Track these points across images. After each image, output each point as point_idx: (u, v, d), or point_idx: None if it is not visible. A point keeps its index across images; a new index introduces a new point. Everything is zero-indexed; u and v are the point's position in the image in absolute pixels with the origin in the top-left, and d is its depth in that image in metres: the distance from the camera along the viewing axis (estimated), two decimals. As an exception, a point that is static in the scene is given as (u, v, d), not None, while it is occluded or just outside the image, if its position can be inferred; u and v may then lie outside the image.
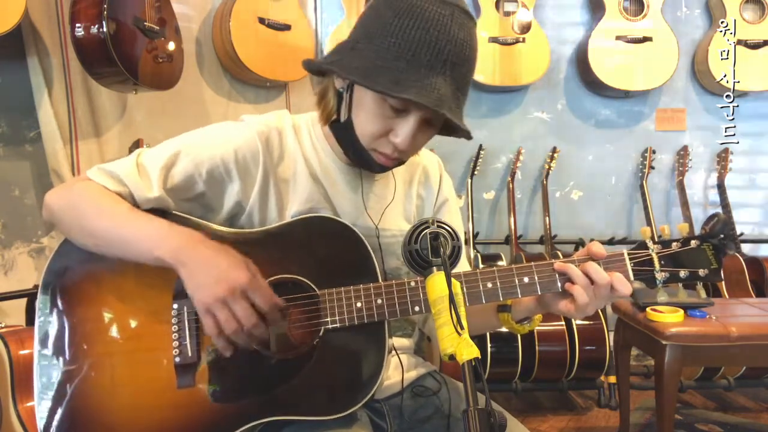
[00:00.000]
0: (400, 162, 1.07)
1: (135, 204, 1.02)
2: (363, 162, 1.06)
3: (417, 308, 0.99)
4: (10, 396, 1.58)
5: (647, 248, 1.00)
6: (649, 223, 3.01)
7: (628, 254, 1.00)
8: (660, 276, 0.99)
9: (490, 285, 0.99)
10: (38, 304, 1.02)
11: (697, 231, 1.02)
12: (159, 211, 1.04)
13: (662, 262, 0.99)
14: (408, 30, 0.92)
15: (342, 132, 1.04)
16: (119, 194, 1.01)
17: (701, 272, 0.99)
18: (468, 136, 0.99)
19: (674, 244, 1.00)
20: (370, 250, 1.03)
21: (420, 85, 0.91)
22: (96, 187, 1.01)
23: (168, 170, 1.02)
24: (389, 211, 1.14)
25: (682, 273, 0.99)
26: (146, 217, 0.99)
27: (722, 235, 0.99)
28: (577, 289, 0.96)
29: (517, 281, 0.99)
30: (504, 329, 2.60)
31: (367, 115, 0.99)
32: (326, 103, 1.06)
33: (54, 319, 1.01)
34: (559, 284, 0.99)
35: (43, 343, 1.01)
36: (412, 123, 0.96)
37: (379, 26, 0.94)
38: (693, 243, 0.99)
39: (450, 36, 0.92)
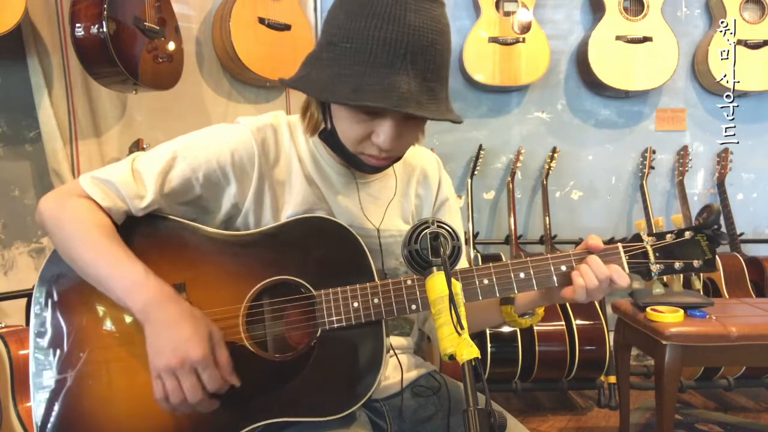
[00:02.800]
0: (394, 160, 1.06)
1: (130, 214, 1.02)
2: (355, 165, 1.06)
3: (414, 306, 0.99)
4: (10, 396, 1.58)
5: (641, 241, 1.01)
6: (649, 223, 3.01)
7: (623, 247, 1.01)
8: (655, 268, 1.00)
9: (486, 281, 0.99)
10: (32, 311, 1.01)
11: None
12: (155, 216, 1.04)
13: (657, 254, 1.00)
14: (362, 31, 0.90)
15: (329, 139, 1.05)
16: (112, 209, 1.00)
17: (696, 263, 1.00)
18: (455, 120, 0.98)
19: (668, 236, 1.01)
20: (366, 250, 1.03)
21: (379, 88, 0.89)
22: (86, 212, 0.99)
23: (165, 175, 1.02)
24: (388, 211, 1.14)
25: (677, 264, 1.00)
26: (127, 258, 0.97)
27: (716, 226, 0.99)
28: (579, 282, 0.98)
29: (513, 277, 1.00)
30: (505, 329, 2.63)
31: (344, 122, 0.99)
32: (310, 115, 1.06)
33: (48, 326, 1.01)
34: (555, 279, 1.00)
35: (38, 350, 1.00)
36: (389, 123, 0.95)
37: (337, 31, 0.94)
38: (687, 234, 1.00)
39: (405, 27, 0.90)
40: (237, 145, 1.04)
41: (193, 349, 0.89)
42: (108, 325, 1.01)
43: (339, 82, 0.92)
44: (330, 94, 0.93)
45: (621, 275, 0.98)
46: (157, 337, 0.91)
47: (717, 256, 2.73)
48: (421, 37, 0.90)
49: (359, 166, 1.05)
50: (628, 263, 1.00)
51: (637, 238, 1.01)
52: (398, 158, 1.08)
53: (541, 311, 1.11)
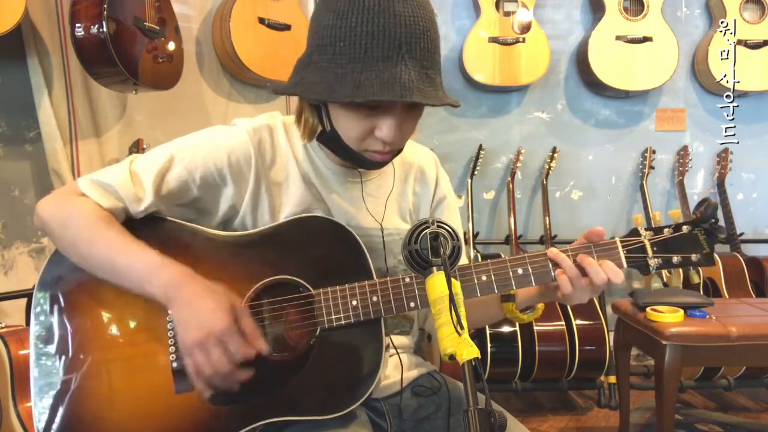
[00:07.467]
0: (396, 153, 1.06)
1: (129, 215, 1.02)
2: (359, 163, 1.06)
3: (412, 304, 1.00)
4: (10, 396, 1.58)
5: (639, 235, 1.01)
6: (649, 223, 3.01)
7: (621, 241, 1.00)
8: (653, 263, 1.00)
9: (484, 278, 1.00)
10: (32, 313, 1.01)
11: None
12: (153, 218, 1.04)
13: (654, 248, 1.00)
14: (353, 28, 0.91)
15: (331, 142, 1.05)
16: (113, 210, 1.01)
17: (693, 257, 1.00)
18: (454, 104, 0.99)
19: (666, 230, 1.01)
20: (364, 249, 1.03)
21: (381, 80, 0.90)
22: (89, 209, 1.00)
23: (162, 177, 1.02)
24: (388, 209, 1.14)
25: (675, 259, 1.00)
26: (139, 247, 0.98)
27: (713, 220, 0.99)
28: (563, 278, 0.98)
29: (511, 273, 1.00)
30: (505, 329, 2.63)
31: (346, 121, 0.99)
32: (305, 121, 1.06)
33: (49, 328, 1.01)
34: (552, 274, 1.00)
35: (38, 353, 1.00)
36: (391, 116, 0.96)
37: (326, 33, 0.93)
38: (685, 229, 1.01)
39: (395, 18, 0.90)
40: (233, 147, 1.04)
41: (217, 321, 0.90)
42: (109, 326, 1.01)
43: (338, 81, 0.92)
44: (331, 95, 0.93)
45: (615, 272, 0.97)
46: (182, 315, 0.93)
47: (717, 256, 2.74)
48: (413, 26, 0.91)
49: (364, 163, 1.05)
50: (625, 257, 1.00)
51: (634, 232, 1.02)
52: (399, 151, 1.08)
53: (541, 306, 1.11)
